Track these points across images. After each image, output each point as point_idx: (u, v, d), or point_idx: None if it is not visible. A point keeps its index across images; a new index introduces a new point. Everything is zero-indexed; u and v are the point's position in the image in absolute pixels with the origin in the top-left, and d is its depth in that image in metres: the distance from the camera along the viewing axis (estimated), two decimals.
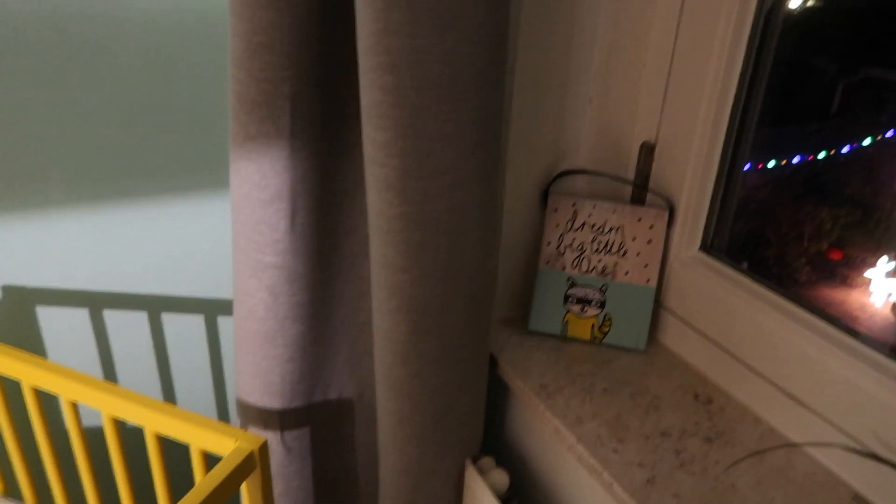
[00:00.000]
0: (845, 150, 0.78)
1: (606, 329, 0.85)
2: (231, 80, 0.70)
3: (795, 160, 0.81)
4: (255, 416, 0.89)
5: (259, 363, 0.85)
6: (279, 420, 0.89)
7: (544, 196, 0.88)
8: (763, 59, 0.75)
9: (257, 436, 0.75)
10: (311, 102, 0.71)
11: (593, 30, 0.81)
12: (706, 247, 0.84)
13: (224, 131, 1.05)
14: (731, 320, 0.76)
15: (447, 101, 0.61)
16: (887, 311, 0.72)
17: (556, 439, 0.85)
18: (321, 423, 0.94)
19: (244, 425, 0.91)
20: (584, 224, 0.86)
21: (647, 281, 0.84)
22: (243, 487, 0.79)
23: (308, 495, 0.97)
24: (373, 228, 0.69)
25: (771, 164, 0.82)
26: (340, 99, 0.74)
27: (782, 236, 0.82)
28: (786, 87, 0.79)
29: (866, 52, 0.73)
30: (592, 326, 0.86)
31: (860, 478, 0.64)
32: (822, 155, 0.79)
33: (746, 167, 0.82)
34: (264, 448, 0.77)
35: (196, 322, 1.22)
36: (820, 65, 0.78)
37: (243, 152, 0.73)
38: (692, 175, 0.80)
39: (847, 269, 0.75)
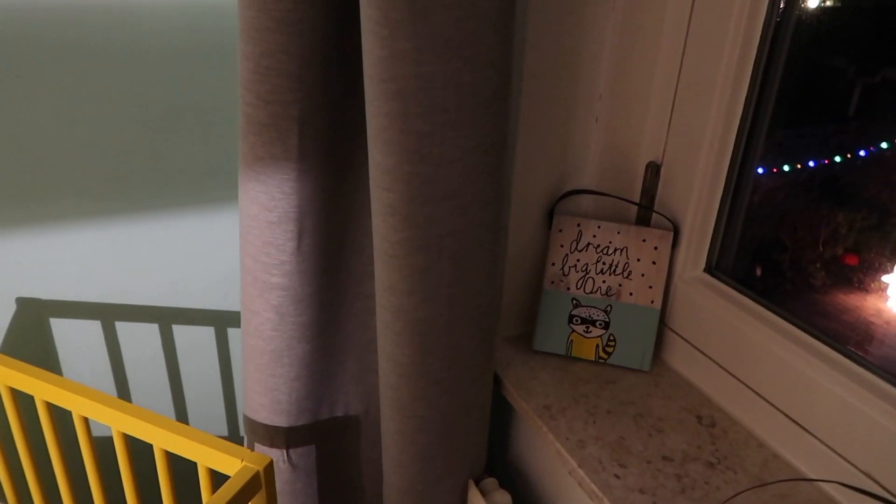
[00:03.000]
0: (862, 153, 0.77)
1: (611, 349, 0.86)
2: (240, 102, 0.71)
3: (811, 164, 0.80)
4: (262, 433, 0.90)
5: (266, 381, 0.86)
6: (285, 437, 0.90)
7: (549, 216, 0.88)
8: (771, 77, 0.76)
9: (263, 455, 0.76)
10: (319, 125, 0.72)
11: (599, 50, 0.82)
12: (711, 268, 0.84)
13: (237, 145, 1.07)
14: (735, 343, 0.76)
15: (452, 126, 0.62)
16: None
17: (558, 461, 0.85)
18: (327, 440, 0.94)
19: (251, 442, 0.92)
20: (588, 245, 0.86)
21: (652, 302, 0.84)
22: None
23: None
24: (377, 252, 0.70)
25: (786, 167, 0.82)
26: (348, 122, 0.75)
27: (797, 240, 0.81)
28: (801, 92, 0.78)
29: (885, 52, 0.72)
30: (597, 346, 0.86)
31: None
32: (837, 158, 0.78)
33: (761, 171, 0.82)
34: (270, 468, 0.78)
35: (207, 333, 1.24)
36: (838, 66, 0.77)
37: (252, 173, 0.74)
38: (697, 196, 0.81)
39: (863, 274, 0.74)
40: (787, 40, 0.75)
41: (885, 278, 0.71)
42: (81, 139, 0.97)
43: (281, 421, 0.88)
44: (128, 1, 0.92)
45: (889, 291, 0.71)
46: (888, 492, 0.61)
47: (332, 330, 0.87)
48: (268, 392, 0.86)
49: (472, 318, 0.74)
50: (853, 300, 0.74)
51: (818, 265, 0.78)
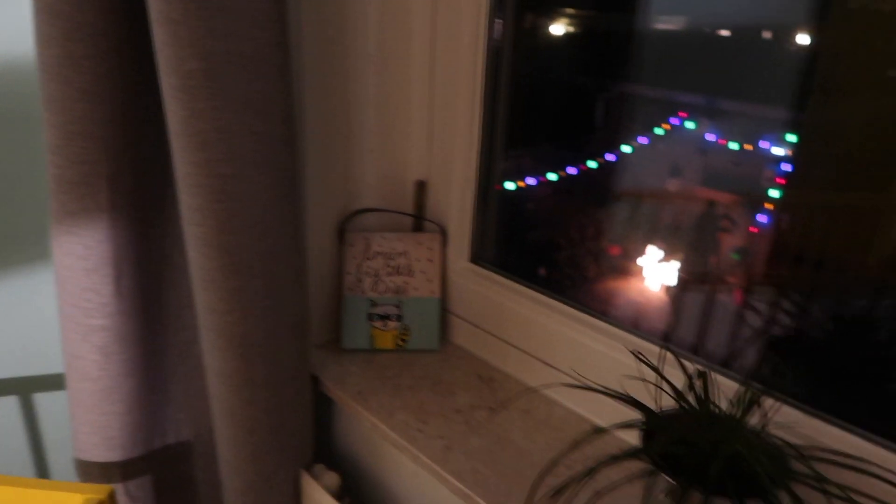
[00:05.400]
0: (611, 157, 0.94)
1: (407, 338, 1.03)
2: (49, 165, 0.78)
3: (572, 171, 0.99)
4: (97, 472, 0.94)
5: (96, 420, 0.91)
6: (121, 471, 0.95)
7: (341, 233, 1.04)
8: (499, 103, 0.98)
9: (104, 486, 0.82)
10: (128, 179, 0.81)
11: (365, 94, 0.99)
12: (475, 259, 1.05)
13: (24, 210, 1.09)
14: (499, 314, 0.97)
15: (251, 167, 0.75)
16: (662, 293, 0.92)
17: (374, 433, 1.00)
18: (162, 468, 1.01)
19: (85, 483, 0.96)
20: (376, 254, 1.03)
21: (433, 293, 1.03)
22: None
23: None
24: (196, 280, 0.80)
25: (553, 176, 1.02)
26: (156, 172, 0.84)
27: (570, 240, 1.01)
28: (540, 110, 0.96)
29: (617, 70, 0.90)
30: (395, 337, 1.03)
31: (597, 413, 0.87)
32: (593, 164, 0.96)
33: (534, 181, 1.01)
34: (112, 496, 0.84)
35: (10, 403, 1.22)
36: (578, 84, 0.94)
37: (64, 227, 0.80)
38: (456, 204, 1.01)
39: (625, 262, 0.94)
40: (507, 69, 0.97)
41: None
42: None
43: (115, 456, 0.94)
44: None
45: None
46: (598, 385, 0.85)
47: (156, 363, 0.95)
48: (99, 430, 0.92)
49: (287, 327, 0.87)
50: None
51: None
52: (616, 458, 0.61)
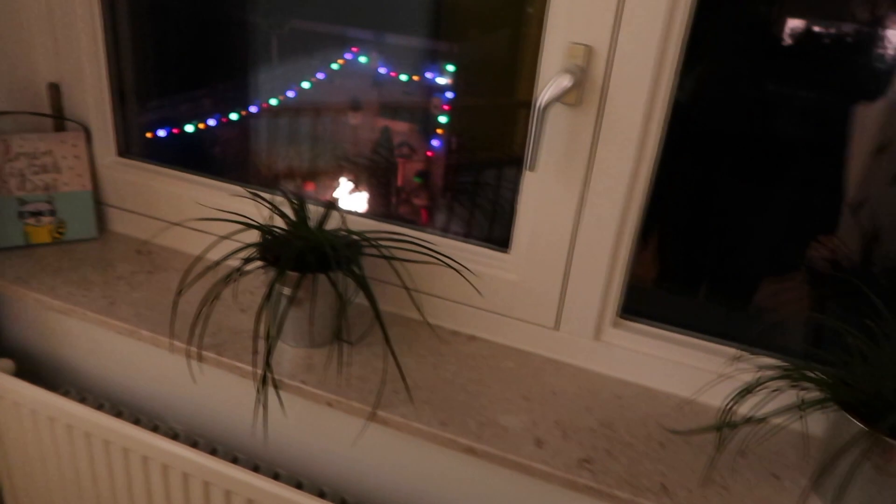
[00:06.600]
0: (292, 94, 1.00)
1: (63, 230, 1.11)
2: None
3: (253, 109, 1.04)
4: None
5: None
6: None
7: None
8: (120, 20, 1.09)
9: None
10: None
11: None
12: (122, 153, 1.16)
13: None
14: (146, 195, 1.11)
15: None
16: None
17: (39, 311, 1.09)
18: None
19: None
20: (18, 155, 1.08)
21: (84, 186, 1.12)
22: None
23: None
24: None
25: (234, 115, 1.06)
26: None
27: (261, 180, 1.09)
28: (222, 47, 1.04)
29: (288, 5, 0.92)
30: (51, 231, 1.11)
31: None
32: (274, 101, 1.01)
33: (214, 122, 1.10)
34: None
35: None
36: (253, 21, 0.96)
37: None
38: (93, 104, 1.11)
39: (324, 197, 1.02)
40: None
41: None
42: None
43: None
44: None
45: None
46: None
47: None
48: None
49: None
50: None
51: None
52: (238, 257, 0.82)
